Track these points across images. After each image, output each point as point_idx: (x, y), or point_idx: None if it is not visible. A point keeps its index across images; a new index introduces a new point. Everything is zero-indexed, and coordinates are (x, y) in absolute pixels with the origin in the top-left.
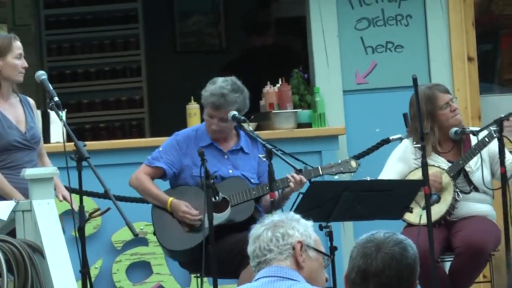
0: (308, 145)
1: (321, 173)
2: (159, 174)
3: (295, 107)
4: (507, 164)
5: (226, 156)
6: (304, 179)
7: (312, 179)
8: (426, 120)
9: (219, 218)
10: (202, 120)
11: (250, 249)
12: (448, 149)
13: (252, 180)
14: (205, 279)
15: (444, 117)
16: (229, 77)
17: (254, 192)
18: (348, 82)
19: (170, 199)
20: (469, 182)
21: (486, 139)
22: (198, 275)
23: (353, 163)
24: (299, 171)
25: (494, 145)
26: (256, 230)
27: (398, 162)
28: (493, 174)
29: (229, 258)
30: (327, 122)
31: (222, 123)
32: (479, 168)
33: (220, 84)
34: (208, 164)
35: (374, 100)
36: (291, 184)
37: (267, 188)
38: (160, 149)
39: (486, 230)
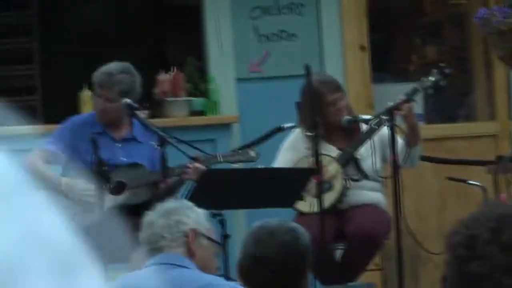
0: (201, 133)
1: (220, 160)
2: (51, 158)
3: (188, 95)
4: (399, 149)
5: (118, 145)
6: (201, 167)
7: (208, 168)
8: (316, 111)
9: (115, 201)
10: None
11: (143, 235)
12: (338, 138)
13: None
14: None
15: (328, 114)
16: (123, 63)
17: (152, 177)
18: (241, 70)
19: (64, 178)
20: (359, 169)
21: (376, 127)
22: None
23: (252, 153)
24: (193, 159)
25: (385, 132)
26: (150, 216)
27: (290, 151)
28: (384, 161)
29: (121, 243)
30: (220, 110)
31: (108, 104)
32: (369, 155)
33: (111, 65)
34: (101, 151)
35: (267, 88)
36: (188, 171)
37: (160, 177)
38: (54, 133)
39: (377, 218)
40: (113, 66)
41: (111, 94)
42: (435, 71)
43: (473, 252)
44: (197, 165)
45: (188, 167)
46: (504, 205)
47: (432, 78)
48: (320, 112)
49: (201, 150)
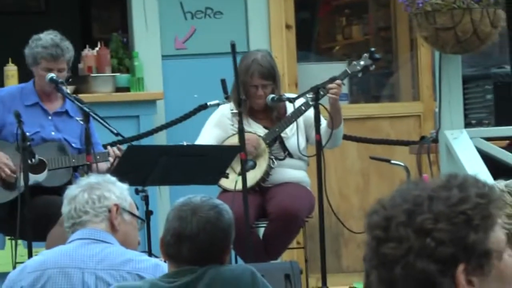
0: (126, 109)
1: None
2: None
3: (113, 71)
4: (322, 132)
5: (50, 117)
6: (119, 153)
7: (127, 145)
8: (244, 89)
9: (34, 179)
10: (20, 82)
11: (65, 210)
12: (264, 116)
13: (73, 145)
14: (19, 241)
15: (250, 95)
16: (50, 31)
17: (73, 160)
18: (167, 47)
19: None
20: (284, 148)
21: (303, 108)
22: (12, 237)
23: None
24: (117, 135)
25: (309, 112)
26: (72, 191)
27: (215, 128)
28: (308, 140)
29: (40, 220)
30: (145, 86)
31: (61, 73)
32: (294, 134)
33: (47, 36)
34: (31, 123)
35: (192, 65)
36: (110, 159)
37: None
38: None
39: (300, 196)
40: (50, 36)
41: (62, 64)
42: (365, 55)
43: (388, 233)
44: (116, 151)
45: (111, 154)
46: (423, 186)
47: (362, 63)
48: (244, 91)
49: (122, 136)
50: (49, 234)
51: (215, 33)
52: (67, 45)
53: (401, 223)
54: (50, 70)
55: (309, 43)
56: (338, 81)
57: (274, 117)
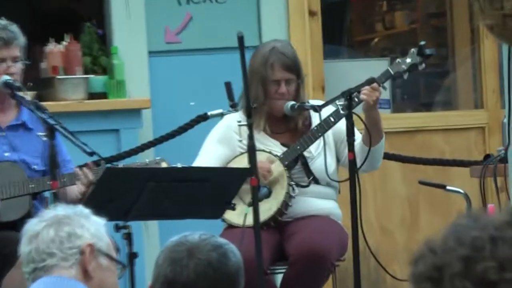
0: (102, 121)
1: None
2: None
3: (86, 72)
4: (356, 150)
5: (2, 133)
6: (91, 177)
7: (106, 165)
8: (259, 89)
9: None
10: None
11: (24, 250)
12: (283, 130)
13: (34, 167)
14: None
15: (269, 94)
16: None
17: (32, 186)
18: (155, 40)
19: None
20: (308, 172)
21: (331, 119)
22: None
23: (164, 164)
24: (91, 154)
25: (341, 124)
26: (33, 226)
27: (218, 145)
28: (338, 161)
29: None
30: (127, 92)
31: (15, 67)
32: (321, 153)
33: None
34: None
35: (188, 64)
36: (78, 185)
37: (49, 183)
38: None
39: (328, 233)
40: None
41: (15, 51)
42: (413, 51)
43: (440, 287)
44: (86, 171)
45: (79, 175)
46: (485, 222)
47: (408, 60)
48: (267, 89)
49: (98, 155)
50: (4, 279)
51: (217, 22)
52: (15, 27)
53: (456, 274)
54: (2, 61)
55: (339, 34)
56: (374, 84)
57: (295, 130)
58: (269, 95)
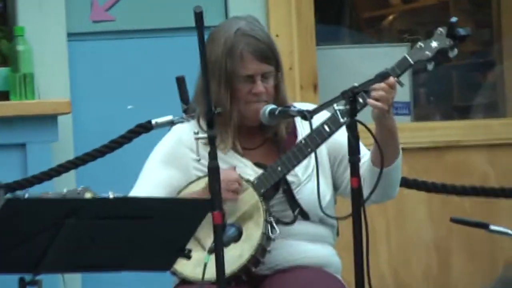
0: (2, 131)
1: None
2: None
3: None
4: (362, 170)
5: None
6: None
7: (7, 195)
8: (223, 89)
9: None
10: None
11: None
12: (256, 144)
13: None
14: None
15: (240, 95)
16: None
17: None
18: (77, 18)
19: None
20: (293, 203)
21: (326, 128)
22: None
23: (89, 195)
24: None
25: (339, 137)
26: None
27: (166, 166)
28: (336, 189)
29: None
30: (37, 91)
31: None
32: (311, 177)
33: None
34: None
35: (123, 51)
36: None
37: None
38: None
39: None
40: None
41: None
42: (440, 30)
43: None
44: None
45: None
46: None
47: (435, 44)
48: (234, 88)
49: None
50: None
51: None
52: None
53: None
54: None
55: (339, 10)
56: (390, 80)
57: (274, 145)
58: (239, 97)
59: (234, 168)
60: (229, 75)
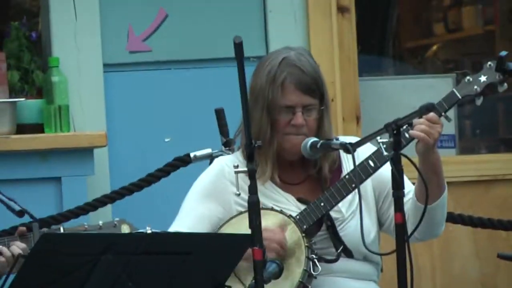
0: (37, 165)
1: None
2: None
3: (12, 94)
4: (407, 206)
5: None
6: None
7: (42, 230)
8: (265, 118)
9: None
10: None
11: None
12: (299, 179)
13: None
14: None
15: (279, 125)
16: None
17: None
18: (113, 49)
19: None
20: (336, 240)
21: (371, 163)
22: None
23: (126, 228)
24: (21, 214)
25: (384, 172)
26: None
27: (205, 201)
28: (381, 226)
29: None
30: (73, 123)
31: None
32: (355, 214)
33: None
34: None
35: (161, 82)
36: (4, 252)
37: None
38: None
39: None
40: None
41: None
42: (489, 64)
43: None
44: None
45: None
46: None
47: (484, 79)
48: (274, 120)
49: (30, 216)
50: None
51: (203, 23)
52: None
53: None
54: None
55: (382, 40)
56: (432, 115)
57: (318, 180)
58: (278, 128)
59: (288, 217)
60: (270, 104)
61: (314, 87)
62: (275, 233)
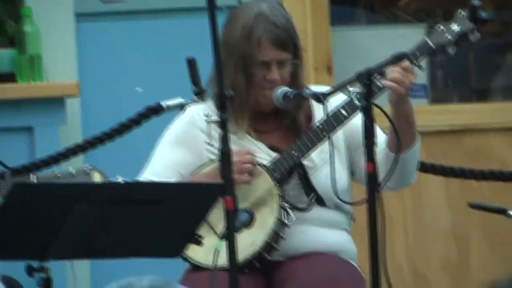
0: (9, 115)
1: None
2: None
3: None
4: (379, 156)
5: None
6: None
7: (14, 178)
8: (240, 73)
9: None
10: None
11: None
12: (272, 128)
13: None
14: None
15: (255, 80)
16: None
17: None
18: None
19: None
20: (308, 189)
21: (343, 112)
22: None
23: (97, 176)
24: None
25: (356, 121)
26: None
27: (177, 149)
28: (352, 174)
29: None
30: (45, 73)
31: None
32: (327, 162)
33: None
34: None
35: (134, 32)
36: None
37: None
38: None
39: (337, 280)
40: None
41: None
42: (462, 14)
43: None
44: None
45: None
46: None
47: (456, 28)
48: (249, 73)
49: (2, 165)
50: None
51: None
52: None
53: None
54: None
55: None
56: (406, 63)
57: (290, 129)
58: (254, 82)
59: (259, 165)
60: (246, 59)
61: (289, 41)
62: (243, 154)
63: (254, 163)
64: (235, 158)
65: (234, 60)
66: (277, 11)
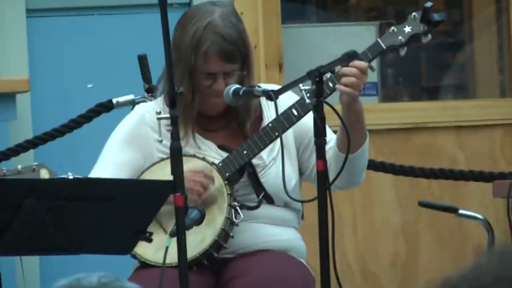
0: None
1: None
2: None
3: None
4: (328, 155)
5: None
6: None
7: None
8: (186, 80)
9: None
10: None
11: None
12: (221, 126)
13: None
14: None
15: (201, 88)
16: None
17: None
18: None
19: None
20: (258, 187)
21: (293, 111)
22: None
23: (45, 172)
24: None
25: (306, 120)
26: None
27: (126, 147)
28: (302, 173)
29: None
30: None
31: None
32: (277, 161)
33: None
34: None
35: (85, 28)
36: None
37: None
38: None
39: (287, 278)
40: None
41: None
42: (414, 15)
43: None
44: None
45: None
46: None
47: (408, 30)
48: (194, 78)
49: None
50: None
51: None
52: None
53: None
54: None
55: None
56: (359, 62)
57: (239, 127)
58: (199, 91)
59: (210, 164)
60: (192, 69)
61: (237, 54)
62: (198, 174)
63: (203, 182)
64: (190, 176)
65: (182, 67)
66: (228, 22)
